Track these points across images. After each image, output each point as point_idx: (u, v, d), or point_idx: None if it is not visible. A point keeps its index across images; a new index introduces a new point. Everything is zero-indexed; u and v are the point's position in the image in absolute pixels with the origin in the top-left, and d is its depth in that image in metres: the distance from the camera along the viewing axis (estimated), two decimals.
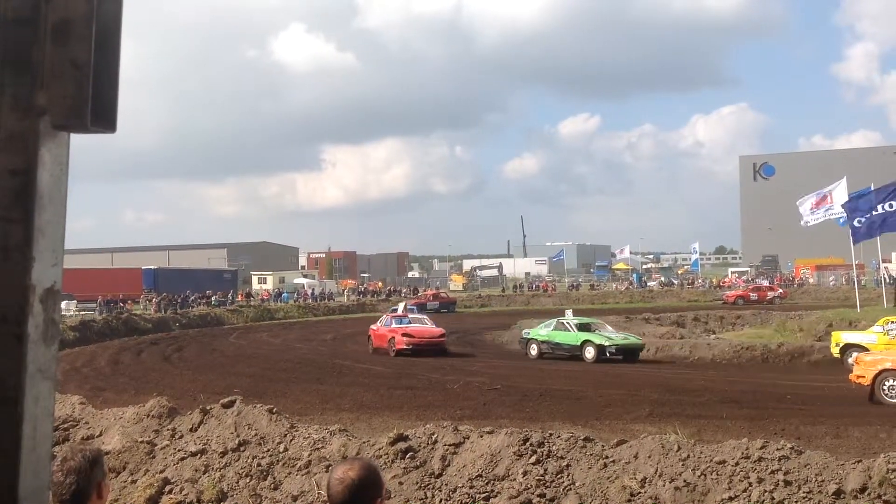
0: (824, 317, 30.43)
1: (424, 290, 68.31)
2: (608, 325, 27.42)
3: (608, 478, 6.52)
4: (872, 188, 30.10)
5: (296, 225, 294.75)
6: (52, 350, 0.75)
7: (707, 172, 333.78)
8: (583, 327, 25.53)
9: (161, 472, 7.71)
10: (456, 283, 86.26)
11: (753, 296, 54.73)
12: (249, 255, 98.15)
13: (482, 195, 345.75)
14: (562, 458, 6.80)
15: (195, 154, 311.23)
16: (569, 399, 16.35)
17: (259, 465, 7.54)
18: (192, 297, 53.10)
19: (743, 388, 17.50)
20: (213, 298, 54.17)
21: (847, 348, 20.50)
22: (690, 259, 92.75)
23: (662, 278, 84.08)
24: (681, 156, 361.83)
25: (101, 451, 2.64)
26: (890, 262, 62.14)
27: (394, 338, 26.43)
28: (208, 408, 8.52)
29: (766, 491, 5.96)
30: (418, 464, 7.11)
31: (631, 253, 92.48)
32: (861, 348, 19.49)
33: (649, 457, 6.59)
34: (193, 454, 7.84)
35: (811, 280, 72.13)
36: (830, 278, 69.33)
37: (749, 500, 5.95)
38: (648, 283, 77.83)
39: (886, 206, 28.01)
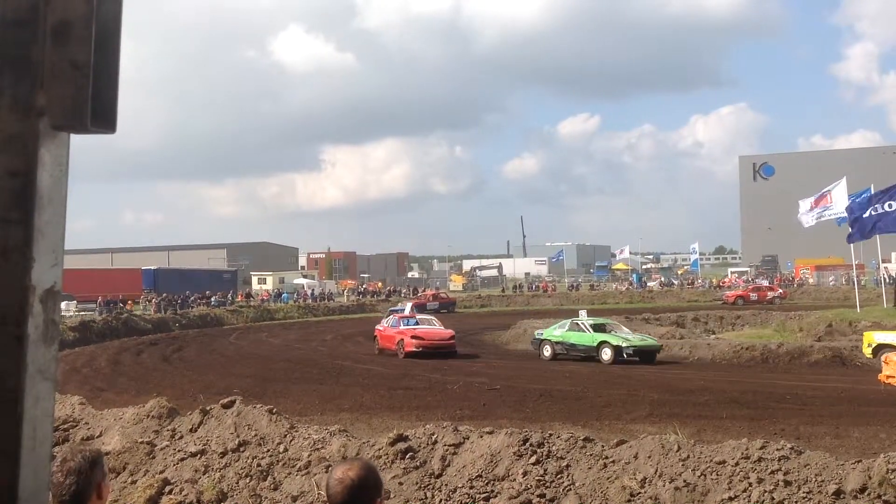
0: (824, 317, 30.44)
1: (424, 291, 68.25)
2: (622, 325, 27.03)
3: (608, 478, 6.52)
4: (872, 189, 30.16)
5: (295, 225, 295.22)
6: (52, 350, 0.75)
7: (707, 172, 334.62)
8: (598, 328, 25.11)
9: (161, 472, 7.71)
10: (456, 283, 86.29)
11: (753, 296, 54.68)
12: (249, 256, 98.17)
13: (482, 195, 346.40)
14: (562, 458, 6.79)
15: (195, 154, 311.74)
16: (568, 399, 16.35)
17: (259, 465, 7.54)
18: (192, 298, 53.08)
19: (743, 388, 17.49)
20: (212, 299, 54.16)
21: (880, 348, 20.13)
22: (690, 259, 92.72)
23: (662, 278, 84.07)
24: (680, 156, 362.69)
25: (100, 452, 2.64)
26: (889, 262, 62.17)
27: (402, 339, 25.93)
28: (208, 408, 8.52)
29: (765, 491, 5.96)
30: (418, 464, 7.11)
31: (630, 253, 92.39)
32: (894, 348, 19.18)
33: (649, 457, 6.59)
34: (193, 455, 7.84)
35: (811, 280, 72.10)
36: (830, 278, 69.31)
37: (749, 501, 5.95)
38: (648, 284, 77.77)
39: (885, 207, 28.02)
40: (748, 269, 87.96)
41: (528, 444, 6.98)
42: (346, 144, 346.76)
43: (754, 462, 6.22)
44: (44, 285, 0.73)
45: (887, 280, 43.59)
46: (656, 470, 6.45)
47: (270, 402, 10.04)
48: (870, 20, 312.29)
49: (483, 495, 6.70)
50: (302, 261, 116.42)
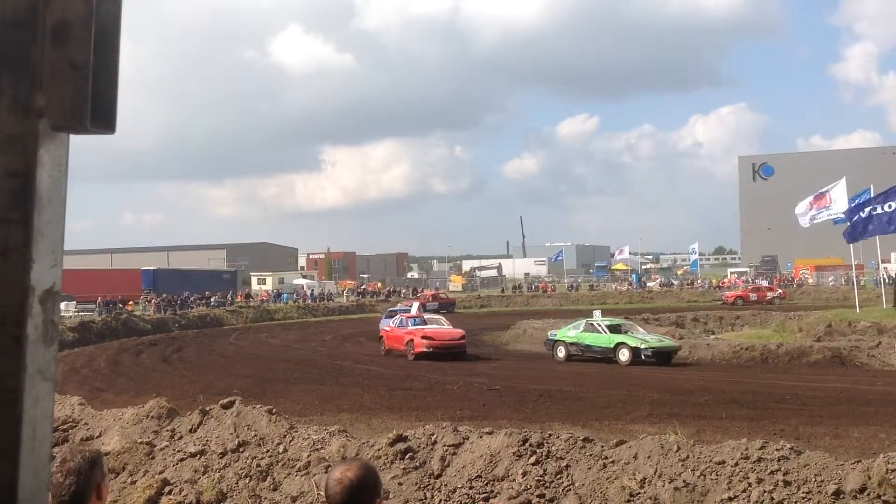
0: (823, 317, 30.42)
1: (423, 291, 68.26)
2: (638, 326, 26.66)
3: (607, 478, 6.52)
4: (872, 190, 30.20)
5: (295, 225, 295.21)
6: (52, 351, 0.75)
7: (706, 173, 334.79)
8: (614, 329, 24.69)
9: (160, 472, 7.71)
10: (455, 283, 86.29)
11: (753, 296, 54.70)
12: (249, 256, 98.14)
13: (482, 195, 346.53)
14: (561, 458, 6.79)
15: (194, 155, 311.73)
16: (568, 399, 16.35)
17: (258, 465, 7.54)
18: (192, 298, 53.08)
19: (742, 388, 17.49)
20: (212, 299, 54.14)
21: None
22: (690, 259, 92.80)
23: (662, 279, 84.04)
24: (680, 156, 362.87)
25: (100, 453, 2.64)
26: (889, 262, 62.17)
27: (412, 340, 25.33)
28: (207, 409, 8.52)
29: (765, 491, 5.96)
30: (418, 464, 7.11)
31: (630, 253, 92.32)
32: None
33: (649, 457, 6.59)
34: (193, 455, 7.84)
35: (810, 280, 72.07)
36: (829, 278, 69.31)
37: (748, 501, 5.95)
38: (647, 284, 77.76)
39: (884, 208, 28.05)
40: (748, 269, 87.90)
41: (527, 444, 6.98)
42: (346, 145, 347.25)
43: (754, 462, 6.22)
44: (43, 286, 0.73)
45: (887, 280, 43.55)
46: (656, 470, 6.45)
47: (270, 403, 10.04)
48: (869, 21, 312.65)
49: (482, 496, 6.70)
50: (301, 261, 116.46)
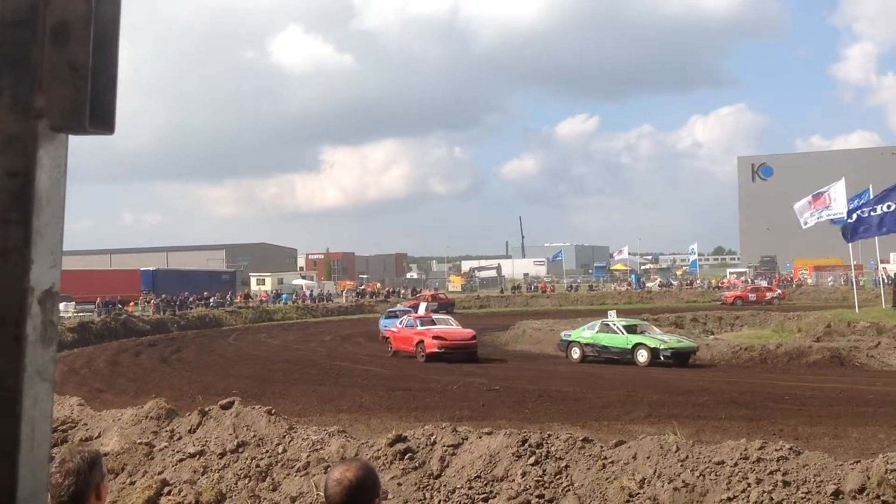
0: (823, 317, 30.43)
1: (423, 291, 68.27)
2: (654, 326, 26.42)
3: (607, 479, 6.52)
4: (871, 190, 30.22)
5: (294, 226, 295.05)
6: (51, 351, 0.75)
7: (705, 173, 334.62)
8: (630, 329, 24.37)
9: (159, 473, 7.71)
10: (454, 283, 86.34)
11: (752, 296, 54.74)
12: (248, 257, 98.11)
13: (481, 196, 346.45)
14: (560, 458, 6.79)
15: (194, 155, 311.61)
16: (567, 400, 16.35)
17: (258, 466, 7.53)
18: (191, 299, 53.07)
19: (741, 388, 17.50)
20: (211, 300, 54.14)
21: None
22: (689, 260, 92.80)
23: (661, 279, 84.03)
24: (679, 156, 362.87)
25: (99, 453, 2.64)
26: (888, 262, 62.17)
27: (423, 341, 24.60)
28: (207, 409, 8.52)
29: (764, 492, 5.96)
30: (417, 465, 7.11)
31: (629, 254, 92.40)
32: None
33: (648, 457, 6.59)
34: (192, 455, 7.84)
35: (809, 281, 72.13)
36: (829, 279, 69.36)
37: (748, 501, 5.95)
38: (647, 284, 77.79)
39: (882, 209, 28.08)
40: (747, 269, 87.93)
41: (526, 444, 6.98)
42: (346, 145, 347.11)
43: (753, 462, 6.23)
44: (42, 286, 0.73)
45: (886, 280, 43.55)
46: (655, 470, 6.45)
47: (269, 403, 10.04)
48: (868, 21, 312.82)
49: (482, 496, 6.70)
50: (301, 261, 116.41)
